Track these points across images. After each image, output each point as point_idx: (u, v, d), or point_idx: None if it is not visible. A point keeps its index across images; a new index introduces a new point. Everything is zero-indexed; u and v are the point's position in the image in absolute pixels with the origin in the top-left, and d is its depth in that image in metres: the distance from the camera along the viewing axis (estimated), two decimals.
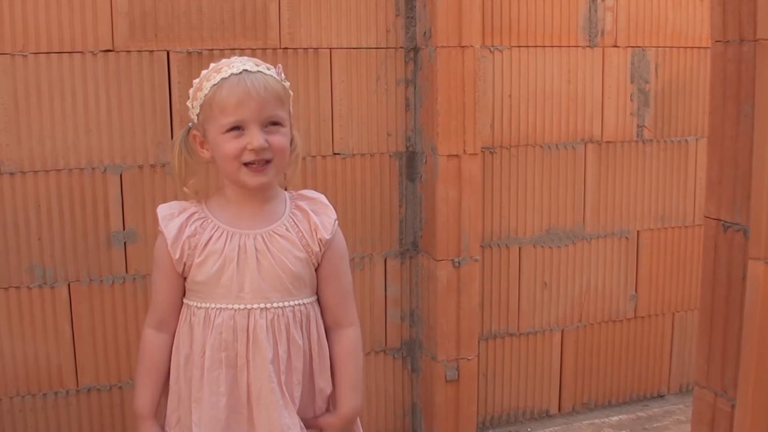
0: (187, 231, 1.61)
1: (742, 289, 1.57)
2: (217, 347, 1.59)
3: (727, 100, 1.60)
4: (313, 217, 1.67)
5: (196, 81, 1.63)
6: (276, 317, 1.61)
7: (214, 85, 1.57)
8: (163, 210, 1.64)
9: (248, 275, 1.60)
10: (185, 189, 1.68)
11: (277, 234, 1.63)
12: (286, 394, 1.61)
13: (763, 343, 1.49)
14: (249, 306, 1.60)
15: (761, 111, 1.50)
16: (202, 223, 1.62)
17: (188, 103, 1.65)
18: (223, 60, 1.62)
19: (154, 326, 1.67)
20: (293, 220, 1.66)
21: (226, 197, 1.66)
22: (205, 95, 1.58)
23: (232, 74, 1.55)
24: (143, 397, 1.66)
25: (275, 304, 1.61)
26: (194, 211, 1.64)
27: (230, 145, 1.55)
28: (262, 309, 1.60)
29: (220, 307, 1.60)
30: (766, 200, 1.49)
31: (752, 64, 1.53)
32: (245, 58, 1.62)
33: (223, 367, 1.59)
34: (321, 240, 1.66)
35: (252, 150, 1.55)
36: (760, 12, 1.49)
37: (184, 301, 1.66)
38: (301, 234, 1.65)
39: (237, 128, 1.55)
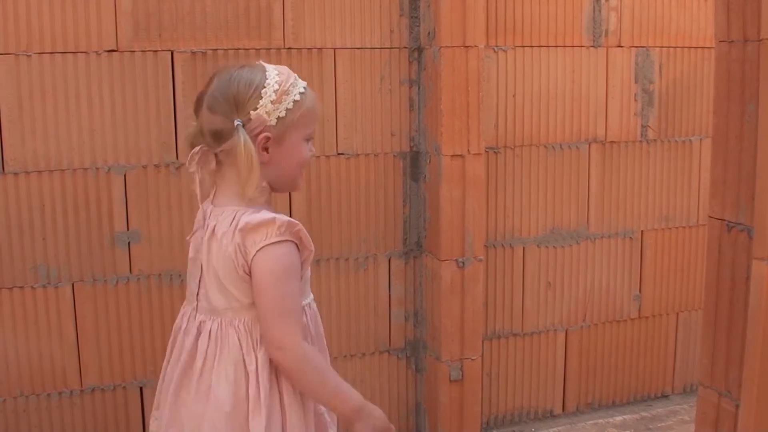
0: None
1: (746, 289, 1.57)
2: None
3: (731, 100, 1.60)
4: None
5: (269, 82, 1.55)
6: None
7: (301, 93, 1.59)
8: (283, 217, 1.57)
9: None
10: (253, 191, 1.58)
11: None
12: None
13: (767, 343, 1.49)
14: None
15: (765, 111, 1.50)
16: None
17: (265, 103, 1.56)
18: (280, 67, 1.60)
19: (304, 337, 1.61)
20: None
21: (270, 204, 1.65)
22: (295, 101, 1.58)
23: (305, 87, 1.61)
24: (350, 390, 1.62)
25: None
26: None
27: (307, 152, 1.63)
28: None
29: (309, 302, 1.68)
30: None
31: (756, 63, 1.53)
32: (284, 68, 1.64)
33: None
34: None
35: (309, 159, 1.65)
36: (764, 12, 1.49)
37: None
38: None
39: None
